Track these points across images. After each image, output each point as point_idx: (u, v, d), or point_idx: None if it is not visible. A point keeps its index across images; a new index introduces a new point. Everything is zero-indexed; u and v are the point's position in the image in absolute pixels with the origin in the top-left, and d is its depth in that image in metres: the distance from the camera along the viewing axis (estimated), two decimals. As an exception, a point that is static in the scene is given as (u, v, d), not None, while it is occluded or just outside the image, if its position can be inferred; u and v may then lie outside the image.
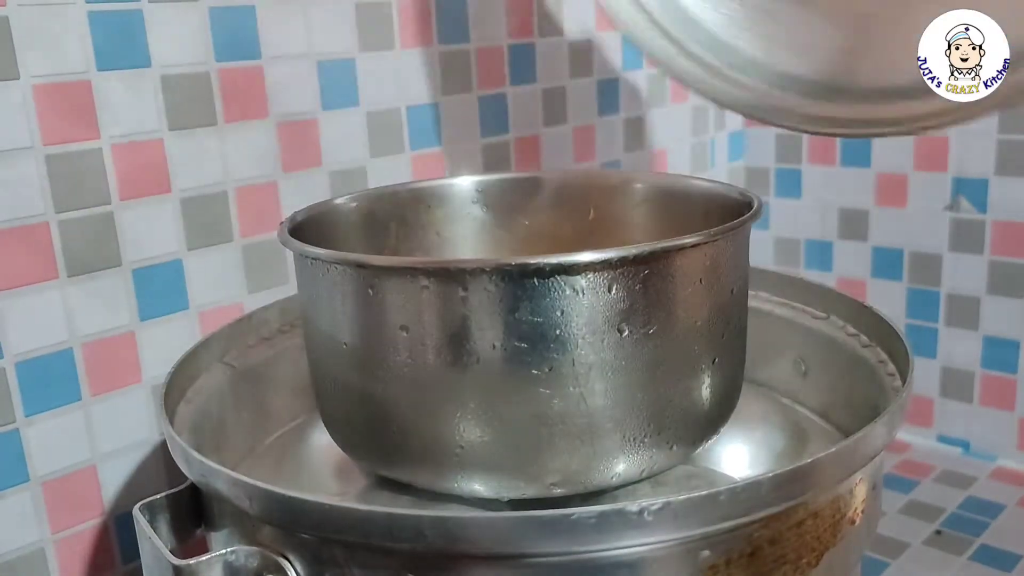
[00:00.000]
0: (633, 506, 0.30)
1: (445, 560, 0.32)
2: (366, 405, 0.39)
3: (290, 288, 0.62)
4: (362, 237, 0.50)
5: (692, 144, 0.93)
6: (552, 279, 0.35)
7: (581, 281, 0.35)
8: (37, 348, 0.52)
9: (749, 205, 0.43)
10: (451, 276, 0.35)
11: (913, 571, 0.74)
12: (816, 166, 0.94)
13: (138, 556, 0.58)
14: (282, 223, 0.43)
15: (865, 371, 0.46)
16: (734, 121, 0.98)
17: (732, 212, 0.45)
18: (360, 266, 0.36)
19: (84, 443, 0.55)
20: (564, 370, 0.36)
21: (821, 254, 0.96)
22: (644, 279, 0.36)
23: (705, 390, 0.40)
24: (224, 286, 0.60)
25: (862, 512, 0.38)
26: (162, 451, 0.58)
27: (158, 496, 0.39)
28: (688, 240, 0.36)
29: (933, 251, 0.88)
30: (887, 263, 0.91)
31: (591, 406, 0.36)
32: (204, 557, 0.34)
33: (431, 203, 0.52)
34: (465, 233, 0.53)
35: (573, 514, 0.30)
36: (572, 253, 0.34)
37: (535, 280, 0.35)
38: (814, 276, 0.97)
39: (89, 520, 0.56)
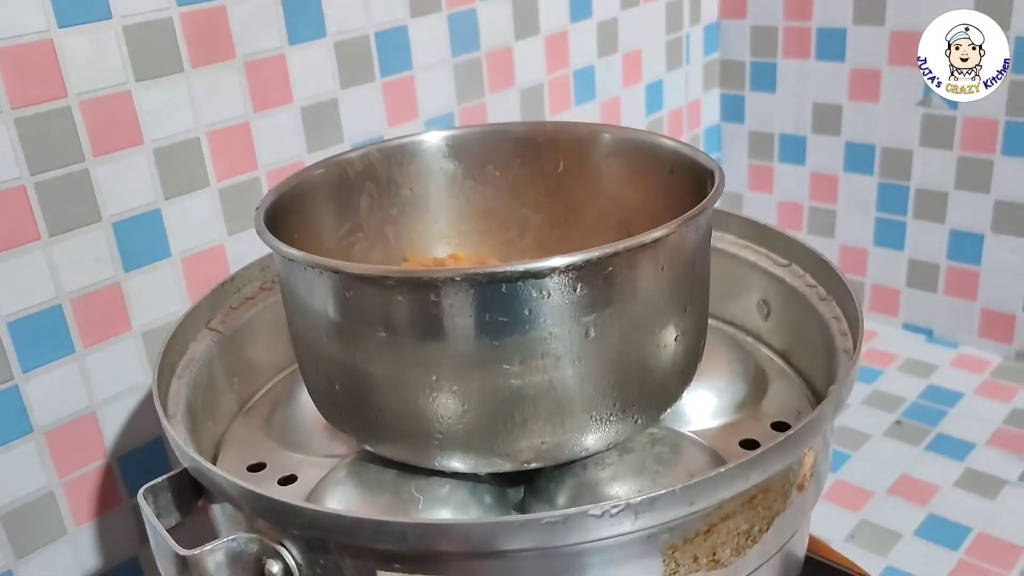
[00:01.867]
0: (596, 510, 0.33)
1: (429, 554, 0.35)
2: (348, 391, 0.41)
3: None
4: (336, 202, 0.50)
5: (667, 42, 0.92)
6: (519, 283, 0.36)
7: (548, 283, 0.36)
8: (27, 307, 0.54)
9: (712, 175, 0.44)
10: (422, 284, 0.36)
11: (871, 462, 0.79)
12: (791, 60, 0.94)
13: (143, 490, 0.62)
14: (257, 208, 0.44)
15: (820, 325, 0.49)
16: (709, 13, 0.97)
17: (696, 176, 0.46)
18: (335, 272, 0.38)
19: (82, 392, 0.57)
20: (533, 362, 0.38)
21: (794, 148, 0.96)
22: (608, 276, 0.37)
23: (669, 365, 0.42)
24: (204, 231, 0.61)
25: (811, 476, 0.41)
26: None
27: (160, 479, 0.42)
28: (652, 236, 0.37)
29: (904, 146, 0.89)
30: (859, 158, 0.92)
31: (560, 392, 0.39)
32: (208, 546, 0.37)
33: (402, 160, 0.52)
34: (438, 187, 0.54)
35: (543, 519, 0.33)
36: (539, 260, 0.36)
37: (503, 286, 0.36)
38: (787, 170, 0.98)
39: (93, 463, 0.59)
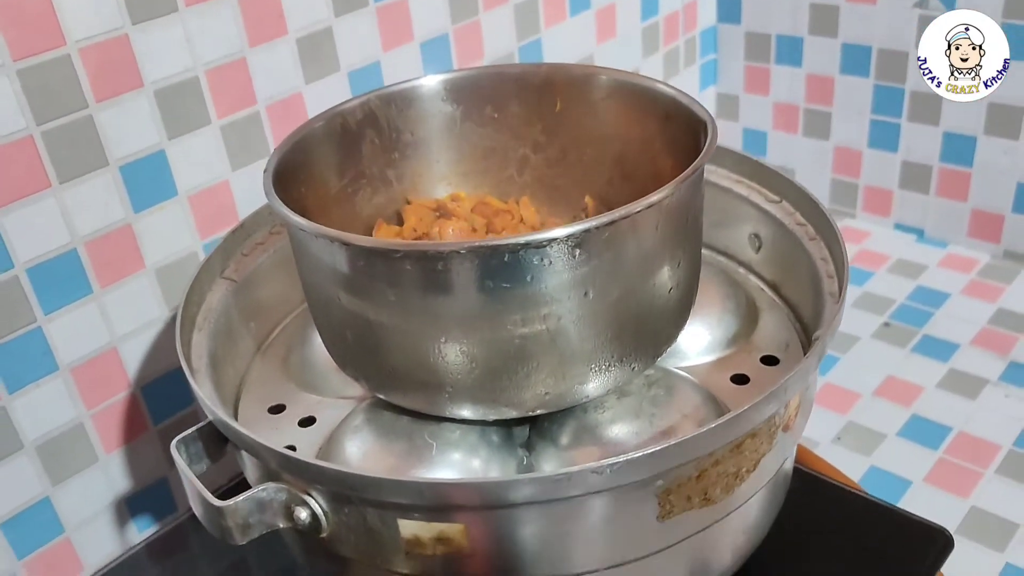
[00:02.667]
0: (596, 467, 0.36)
1: (445, 506, 0.38)
2: (361, 346, 0.44)
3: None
4: (339, 152, 0.52)
5: (662, -57, 0.91)
6: (521, 253, 0.38)
7: (548, 251, 0.38)
8: (43, 253, 0.56)
9: (705, 127, 0.45)
10: (429, 257, 0.38)
11: (859, 365, 0.82)
12: (789, -41, 0.92)
13: (168, 415, 0.66)
14: (265, 171, 0.45)
15: (808, 263, 0.50)
16: (706, -91, 0.95)
17: (690, 126, 0.47)
18: (344, 244, 0.39)
19: (102, 329, 0.60)
20: (536, 322, 0.40)
21: (791, 50, 0.96)
22: (606, 240, 0.39)
23: (664, 314, 0.44)
24: (208, 168, 0.62)
25: (796, 416, 0.44)
26: (173, 326, 0.63)
27: (190, 431, 0.44)
28: (648, 201, 0.39)
29: (900, 48, 0.89)
30: (855, 60, 0.92)
31: (561, 348, 0.41)
32: (241, 497, 0.40)
33: (402, 105, 0.53)
34: (438, 129, 0.55)
35: (547, 477, 0.36)
36: (540, 231, 0.37)
37: (505, 256, 0.38)
38: (784, 71, 0.98)
39: (118, 394, 0.62)
